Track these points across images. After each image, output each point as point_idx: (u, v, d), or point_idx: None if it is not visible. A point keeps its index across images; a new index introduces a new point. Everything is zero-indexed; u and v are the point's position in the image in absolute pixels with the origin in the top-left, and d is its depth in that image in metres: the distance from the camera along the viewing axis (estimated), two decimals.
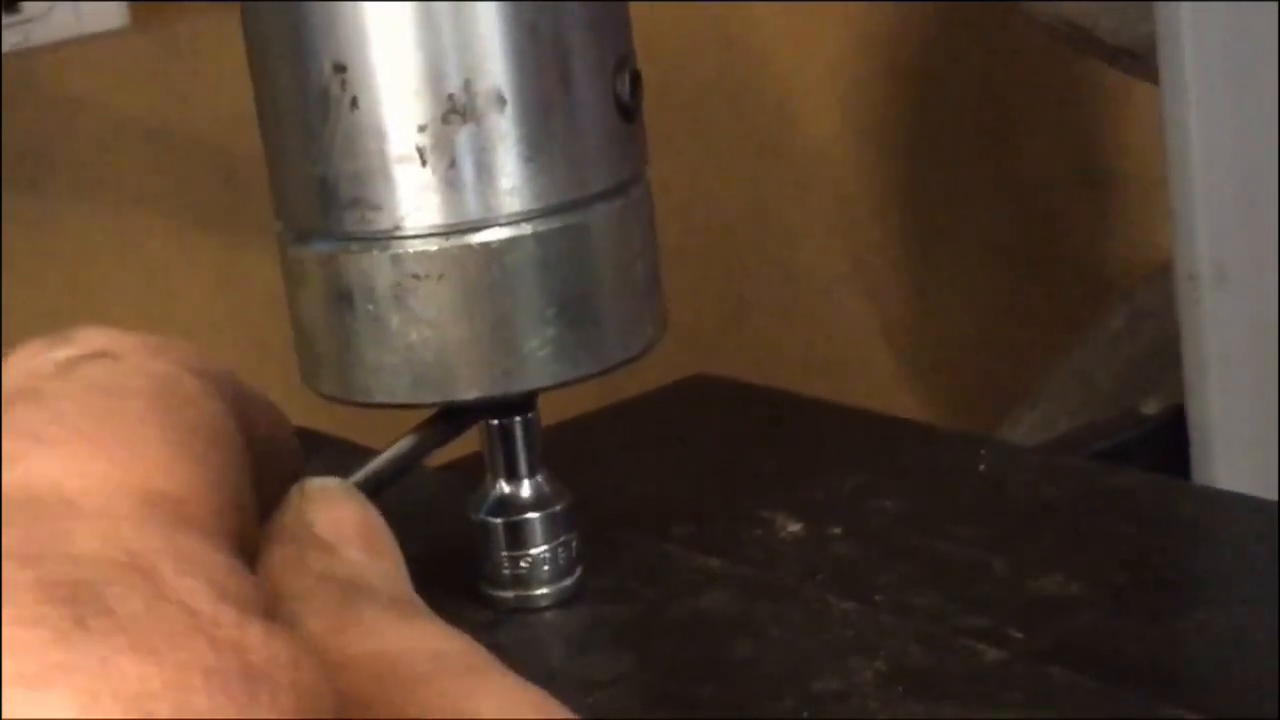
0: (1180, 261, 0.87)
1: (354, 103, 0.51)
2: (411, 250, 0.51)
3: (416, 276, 0.51)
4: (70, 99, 1.11)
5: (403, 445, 0.52)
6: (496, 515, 0.56)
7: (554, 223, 0.52)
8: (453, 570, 0.57)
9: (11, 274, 1.09)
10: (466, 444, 0.63)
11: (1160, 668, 0.53)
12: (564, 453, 0.62)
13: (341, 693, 0.26)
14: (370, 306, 0.52)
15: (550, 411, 0.71)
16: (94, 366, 0.28)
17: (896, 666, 0.51)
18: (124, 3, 1.12)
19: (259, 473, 0.30)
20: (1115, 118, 1.57)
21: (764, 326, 1.42)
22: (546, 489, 0.56)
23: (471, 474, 0.59)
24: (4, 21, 1.07)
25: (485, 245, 0.51)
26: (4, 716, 0.23)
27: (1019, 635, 0.55)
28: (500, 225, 0.51)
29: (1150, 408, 0.93)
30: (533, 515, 0.56)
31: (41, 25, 1.09)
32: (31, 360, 0.29)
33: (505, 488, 0.56)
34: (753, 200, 1.41)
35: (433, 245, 0.51)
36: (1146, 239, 1.53)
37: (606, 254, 0.53)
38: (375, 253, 0.52)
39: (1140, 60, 1.14)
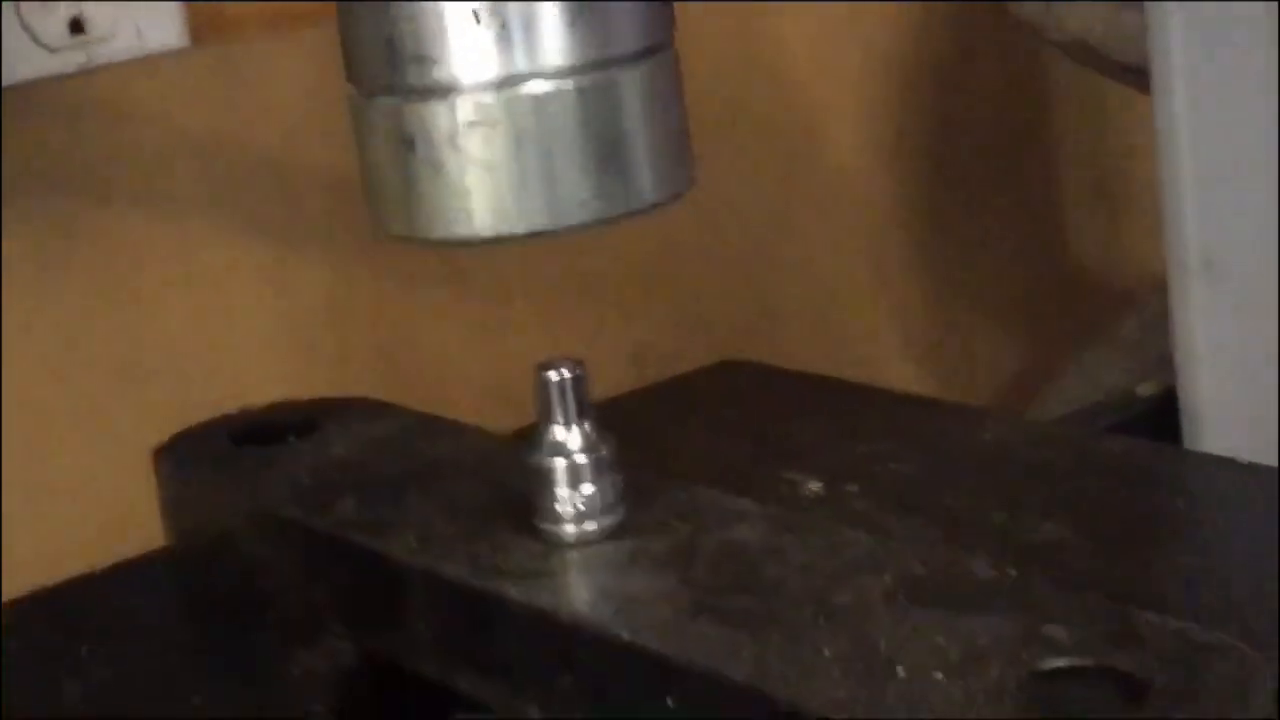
0: (1171, 253, 0.92)
1: None
2: (467, 101, 0.58)
3: (471, 124, 0.58)
4: (132, 115, 1.14)
5: None
6: (552, 457, 0.62)
7: (593, 78, 0.58)
8: (510, 513, 0.63)
9: (75, 282, 1.13)
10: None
11: (1135, 589, 0.59)
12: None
13: None
14: (431, 151, 0.58)
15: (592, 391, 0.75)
16: None
17: (901, 582, 0.57)
18: (184, 23, 1.15)
19: None
20: (1128, 131, 1.58)
21: (788, 335, 1.44)
22: (594, 435, 0.63)
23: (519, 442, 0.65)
24: (69, 42, 1.11)
25: (532, 96, 0.58)
26: None
27: (1012, 572, 0.61)
28: (545, 78, 0.58)
29: (1145, 390, 0.98)
30: (584, 458, 0.62)
31: (105, 46, 1.13)
32: None
33: (559, 434, 0.63)
34: (778, 214, 1.43)
35: (486, 97, 0.57)
36: (1159, 249, 1.52)
37: (638, 108, 0.60)
38: (434, 103, 0.58)
39: (1147, 77, 1.17)
